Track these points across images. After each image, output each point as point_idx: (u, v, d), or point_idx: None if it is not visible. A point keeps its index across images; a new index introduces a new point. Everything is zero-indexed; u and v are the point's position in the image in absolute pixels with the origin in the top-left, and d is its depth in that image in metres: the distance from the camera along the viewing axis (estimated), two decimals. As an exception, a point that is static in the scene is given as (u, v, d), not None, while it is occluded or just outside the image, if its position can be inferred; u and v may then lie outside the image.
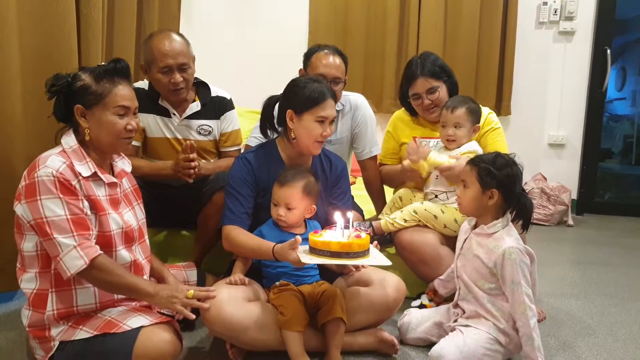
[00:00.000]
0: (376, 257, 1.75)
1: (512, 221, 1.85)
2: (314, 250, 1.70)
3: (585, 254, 3.50)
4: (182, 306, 1.65)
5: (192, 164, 2.16)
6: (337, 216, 1.75)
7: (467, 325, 1.82)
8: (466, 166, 1.86)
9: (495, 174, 1.79)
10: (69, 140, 1.67)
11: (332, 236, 1.71)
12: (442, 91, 2.37)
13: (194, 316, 1.67)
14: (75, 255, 1.55)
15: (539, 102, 4.46)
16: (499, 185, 1.79)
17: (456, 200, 1.92)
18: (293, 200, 1.89)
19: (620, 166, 6.51)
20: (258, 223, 1.97)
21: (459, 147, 2.25)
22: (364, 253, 1.72)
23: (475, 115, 2.24)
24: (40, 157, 1.62)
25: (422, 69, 2.37)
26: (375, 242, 1.83)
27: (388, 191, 2.66)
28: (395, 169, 2.45)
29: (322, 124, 1.93)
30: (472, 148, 2.23)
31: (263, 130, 2.08)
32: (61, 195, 1.57)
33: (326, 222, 2.04)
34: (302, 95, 1.93)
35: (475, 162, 1.83)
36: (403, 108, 2.56)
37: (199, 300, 1.71)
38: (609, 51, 4.31)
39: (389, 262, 1.73)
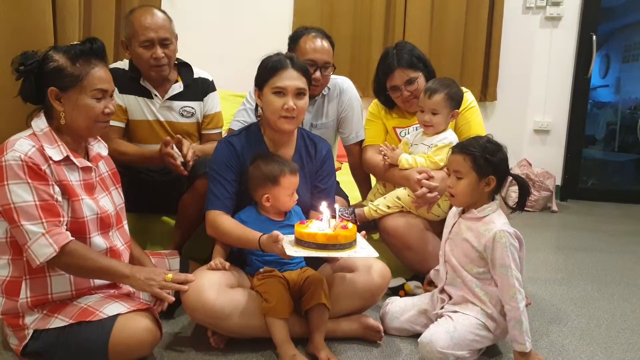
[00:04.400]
0: (364, 247, 1.73)
1: (514, 204, 1.84)
2: (299, 242, 1.67)
3: (569, 239, 3.53)
4: (159, 289, 1.61)
5: (177, 162, 2.08)
6: (324, 207, 1.71)
7: (455, 311, 1.81)
8: (457, 156, 1.80)
9: (491, 160, 1.76)
10: (40, 122, 1.60)
11: (319, 227, 1.67)
12: (421, 81, 2.32)
13: (172, 299, 1.64)
14: (43, 242, 1.50)
15: (525, 88, 4.47)
16: (495, 171, 1.77)
17: (447, 192, 1.88)
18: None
19: (603, 153, 6.57)
20: (238, 208, 1.93)
21: (436, 133, 2.22)
22: (351, 244, 1.69)
23: (454, 101, 2.20)
24: (8, 141, 1.55)
25: (399, 61, 2.31)
26: (363, 232, 1.81)
27: (373, 177, 2.62)
28: (379, 164, 2.37)
29: (282, 96, 1.85)
30: (448, 140, 2.18)
31: (256, 114, 2.04)
32: (29, 180, 1.51)
33: (310, 207, 2.01)
34: (260, 69, 1.90)
35: (467, 150, 1.78)
36: (376, 100, 2.50)
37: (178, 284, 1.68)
38: (594, 37, 4.31)
39: (376, 254, 1.70)
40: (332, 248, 1.65)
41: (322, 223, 1.69)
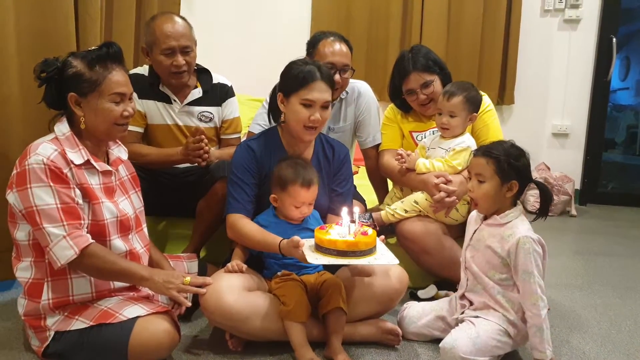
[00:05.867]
0: (384, 254, 1.73)
1: (535, 210, 1.82)
2: (320, 248, 1.66)
3: (589, 244, 3.47)
4: (177, 292, 1.62)
5: (204, 148, 2.13)
6: (344, 212, 1.71)
7: (476, 317, 1.79)
8: (479, 159, 1.78)
9: (515, 165, 1.74)
10: (62, 127, 1.64)
11: (339, 233, 1.67)
12: (437, 85, 2.31)
13: (189, 303, 1.65)
14: (65, 245, 1.53)
15: (543, 91, 4.41)
16: (518, 176, 1.75)
17: (469, 196, 1.86)
18: (315, 196, 1.88)
19: (623, 156, 6.47)
20: (258, 211, 1.94)
21: (453, 136, 2.20)
22: (371, 250, 1.69)
23: (472, 104, 2.18)
24: (31, 145, 1.59)
25: (415, 64, 2.30)
26: (382, 237, 1.80)
27: (390, 181, 2.62)
28: (396, 169, 2.34)
29: (310, 108, 1.85)
30: (466, 144, 2.17)
31: (269, 117, 2.05)
32: (52, 184, 1.54)
33: (328, 210, 2.01)
34: (289, 77, 1.89)
35: (490, 154, 1.76)
36: (392, 104, 2.50)
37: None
38: (614, 40, 4.25)
39: (396, 261, 1.71)
40: (353, 255, 1.64)
41: (342, 228, 1.69)
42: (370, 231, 1.71)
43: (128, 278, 1.66)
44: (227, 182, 1.96)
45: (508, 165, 1.74)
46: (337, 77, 2.30)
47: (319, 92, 1.86)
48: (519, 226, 1.75)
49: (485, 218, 1.84)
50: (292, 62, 1.95)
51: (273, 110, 2.02)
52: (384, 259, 1.70)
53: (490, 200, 1.78)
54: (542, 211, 1.81)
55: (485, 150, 1.79)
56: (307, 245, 1.69)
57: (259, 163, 1.94)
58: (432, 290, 2.24)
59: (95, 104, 1.61)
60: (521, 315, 1.75)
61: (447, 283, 2.23)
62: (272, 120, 2.05)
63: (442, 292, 2.20)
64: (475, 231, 1.86)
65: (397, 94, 2.41)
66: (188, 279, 1.66)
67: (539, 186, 1.82)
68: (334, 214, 2.01)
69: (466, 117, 2.19)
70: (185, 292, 1.66)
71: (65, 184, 1.56)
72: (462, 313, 1.84)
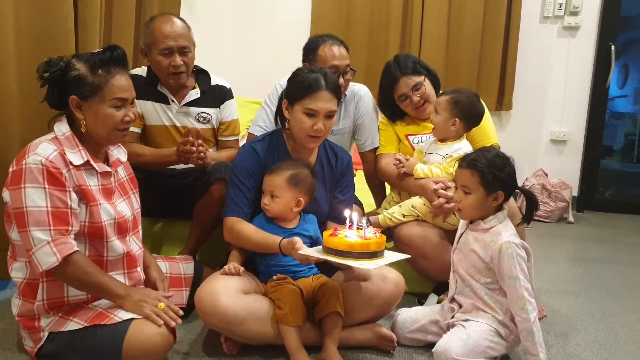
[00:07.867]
0: (389, 252, 1.74)
1: (522, 217, 1.84)
2: (349, 254, 1.62)
3: (586, 251, 3.47)
4: (150, 312, 1.57)
5: (193, 148, 2.11)
6: (352, 215, 1.70)
7: (466, 320, 1.79)
8: (464, 171, 1.79)
9: (499, 176, 1.75)
10: (62, 127, 1.62)
11: (360, 236, 1.65)
12: (427, 85, 2.35)
13: (161, 322, 1.56)
14: (47, 251, 1.51)
15: (542, 98, 4.42)
16: (503, 186, 1.77)
17: (455, 206, 1.87)
18: (277, 189, 1.85)
19: (621, 164, 6.49)
20: (256, 214, 1.94)
21: (441, 138, 2.21)
22: (383, 252, 1.69)
23: (458, 109, 2.16)
24: (31, 144, 1.57)
25: (402, 69, 2.35)
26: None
27: (388, 184, 2.61)
28: (393, 173, 2.35)
29: (312, 117, 1.84)
30: (462, 151, 2.15)
31: (275, 120, 2.06)
32: (46, 186, 1.52)
33: (328, 217, 2.01)
34: (294, 84, 1.88)
35: (474, 165, 1.77)
36: (383, 115, 2.51)
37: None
38: (613, 47, 4.26)
39: (407, 255, 1.74)
40: (381, 255, 1.66)
41: (353, 231, 1.67)
42: (372, 230, 1.71)
43: (104, 293, 1.61)
44: (228, 183, 1.96)
45: (492, 176, 1.75)
46: (340, 80, 2.31)
47: (323, 101, 1.84)
48: (501, 232, 1.77)
49: (471, 221, 1.86)
50: (299, 68, 1.95)
51: (279, 115, 2.02)
52: (395, 256, 1.72)
53: (476, 210, 1.80)
54: (527, 218, 1.82)
55: (469, 162, 1.80)
56: (314, 249, 1.70)
57: (261, 166, 1.93)
58: (432, 299, 2.22)
59: (96, 109, 1.60)
60: (510, 316, 1.76)
61: (445, 286, 2.22)
62: (277, 123, 2.05)
63: (442, 297, 2.20)
64: (461, 235, 1.88)
65: (387, 104, 2.43)
66: (162, 305, 1.59)
67: (524, 193, 1.84)
68: (335, 221, 2.00)
69: (448, 119, 2.18)
70: (158, 317, 1.57)
71: (61, 187, 1.54)
72: (452, 317, 1.85)
